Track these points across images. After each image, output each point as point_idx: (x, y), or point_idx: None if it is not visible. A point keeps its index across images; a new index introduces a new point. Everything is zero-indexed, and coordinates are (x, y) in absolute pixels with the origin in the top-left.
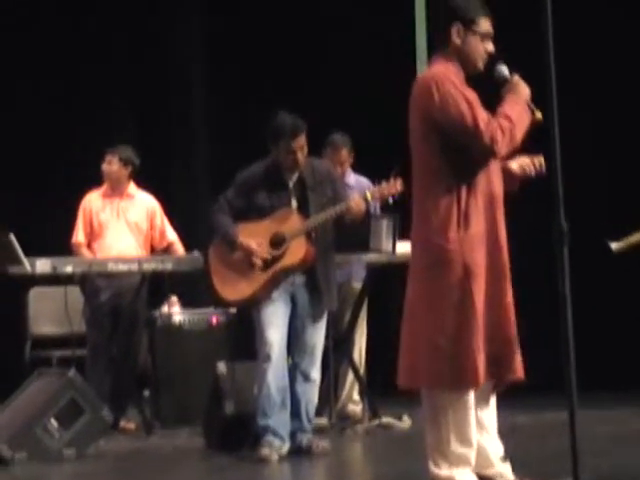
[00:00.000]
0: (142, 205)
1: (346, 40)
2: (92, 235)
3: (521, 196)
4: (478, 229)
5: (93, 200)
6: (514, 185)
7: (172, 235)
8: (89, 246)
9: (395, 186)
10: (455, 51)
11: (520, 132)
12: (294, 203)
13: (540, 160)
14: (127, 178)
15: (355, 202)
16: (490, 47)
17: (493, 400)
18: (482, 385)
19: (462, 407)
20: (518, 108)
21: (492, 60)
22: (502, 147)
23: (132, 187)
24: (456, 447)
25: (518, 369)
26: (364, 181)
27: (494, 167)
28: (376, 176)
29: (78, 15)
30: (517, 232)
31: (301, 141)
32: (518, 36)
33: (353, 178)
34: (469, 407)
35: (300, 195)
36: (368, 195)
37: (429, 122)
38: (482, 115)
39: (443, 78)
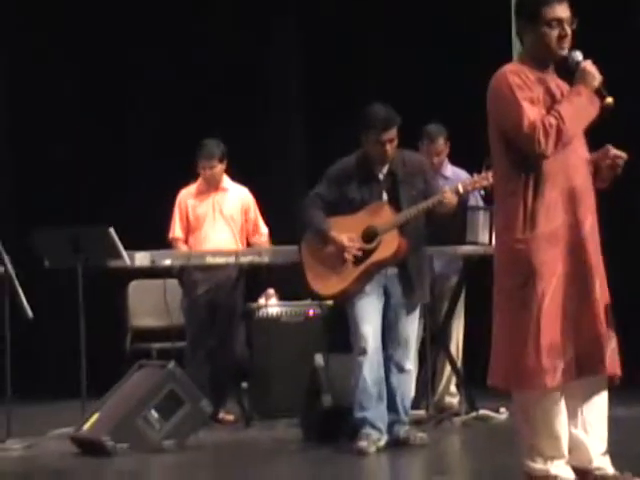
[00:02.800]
0: (237, 198)
1: (439, 36)
2: (189, 229)
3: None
4: (549, 228)
5: (188, 195)
6: (606, 179)
7: (264, 228)
8: (186, 241)
9: (487, 178)
10: (527, 47)
11: (576, 126)
12: (385, 196)
13: (621, 154)
14: (223, 171)
15: (447, 195)
16: (563, 31)
17: (602, 397)
18: (555, 387)
19: (545, 404)
20: (577, 101)
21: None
22: (546, 148)
23: (226, 180)
24: (548, 441)
25: (610, 365)
26: (462, 173)
27: (575, 161)
28: (474, 167)
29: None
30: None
31: (392, 134)
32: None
33: (450, 170)
34: (553, 404)
35: (391, 188)
36: (460, 188)
37: (492, 117)
38: (530, 113)
39: (507, 73)
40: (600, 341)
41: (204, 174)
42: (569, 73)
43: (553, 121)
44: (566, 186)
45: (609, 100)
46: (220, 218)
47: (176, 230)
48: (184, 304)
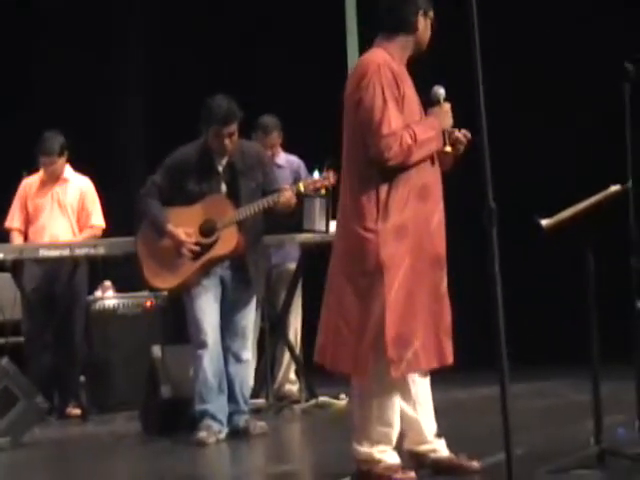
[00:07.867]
0: (77, 188)
1: (276, 24)
2: (27, 220)
3: (449, 177)
4: (401, 220)
5: (30, 185)
6: (448, 164)
7: (97, 220)
8: (26, 232)
9: (328, 178)
10: (415, 35)
11: (419, 155)
12: (224, 188)
13: (466, 133)
14: (64, 164)
15: (287, 195)
16: (433, 27)
17: (427, 378)
18: (399, 376)
19: (382, 393)
20: (430, 133)
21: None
22: (393, 159)
23: (68, 170)
24: (377, 427)
25: (447, 355)
26: (295, 160)
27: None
28: (307, 153)
29: None
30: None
31: (232, 128)
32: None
33: (283, 158)
34: (390, 393)
35: (230, 180)
36: (301, 187)
37: (353, 105)
38: (393, 119)
39: (382, 65)
40: (448, 333)
41: (45, 169)
42: (430, 103)
43: (409, 140)
44: (418, 182)
45: (447, 149)
46: (57, 209)
47: (15, 220)
48: (20, 298)
